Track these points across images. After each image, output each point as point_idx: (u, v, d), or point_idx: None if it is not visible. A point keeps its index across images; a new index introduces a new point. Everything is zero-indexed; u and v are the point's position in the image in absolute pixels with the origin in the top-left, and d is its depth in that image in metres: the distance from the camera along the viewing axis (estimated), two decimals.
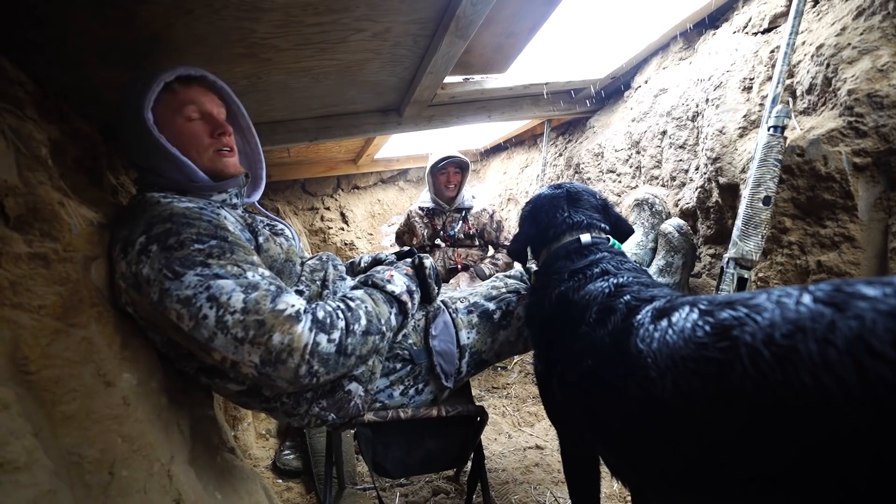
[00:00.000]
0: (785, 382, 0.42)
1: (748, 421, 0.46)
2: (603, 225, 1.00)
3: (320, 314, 0.79)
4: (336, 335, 0.78)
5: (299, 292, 0.96)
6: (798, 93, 1.11)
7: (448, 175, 2.42)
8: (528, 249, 1.11)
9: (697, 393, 0.51)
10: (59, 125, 0.88)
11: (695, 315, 0.54)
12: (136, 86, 0.90)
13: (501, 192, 3.27)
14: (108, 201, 0.98)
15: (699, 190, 1.41)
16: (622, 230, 1.07)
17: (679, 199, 1.54)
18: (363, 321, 0.84)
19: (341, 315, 0.81)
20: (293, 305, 0.76)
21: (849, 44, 0.97)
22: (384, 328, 0.88)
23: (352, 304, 0.85)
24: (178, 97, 0.93)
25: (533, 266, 1.19)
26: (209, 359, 0.76)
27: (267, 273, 0.80)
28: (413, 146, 3.04)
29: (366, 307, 0.86)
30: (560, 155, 2.51)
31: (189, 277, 0.73)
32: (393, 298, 0.93)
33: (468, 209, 2.49)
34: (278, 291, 0.77)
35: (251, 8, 0.95)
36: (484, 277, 2.33)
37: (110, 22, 0.91)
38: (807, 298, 0.44)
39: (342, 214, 3.66)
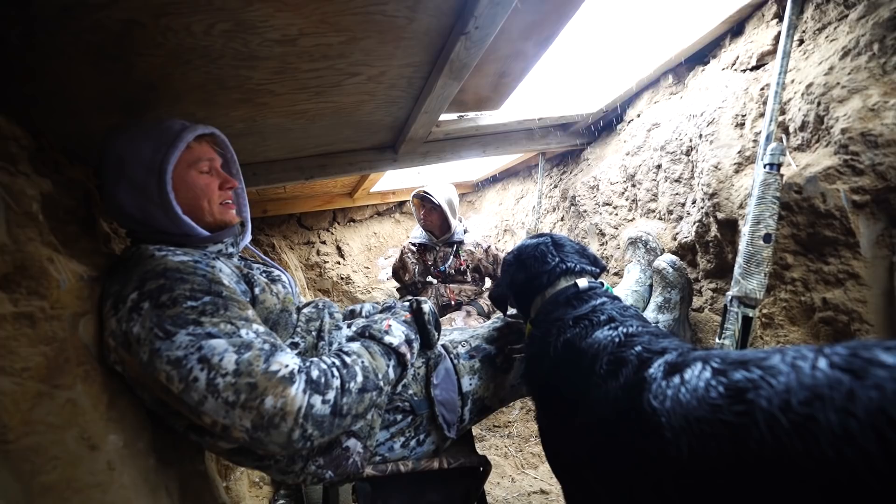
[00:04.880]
0: (805, 452, 0.41)
1: (768, 489, 0.44)
2: (591, 269, 1.01)
3: (314, 373, 0.76)
4: (331, 395, 0.76)
5: (294, 345, 0.93)
6: (791, 129, 1.13)
7: (424, 209, 2.37)
8: (512, 297, 1.10)
9: (714, 457, 0.49)
10: (52, 176, 0.87)
11: (707, 374, 0.52)
12: (153, 143, 0.90)
13: (497, 224, 3.28)
14: (101, 251, 0.97)
15: (697, 224, 1.41)
16: (599, 266, 1.09)
17: (677, 233, 1.55)
18: (359, 378, 0.81)
19: (336, 373, 0.79)
20: (287, 366, 0.74)
21: (838, 83, 0.99)
22: (381, 383, 0.85)
23: (348, 359, 0.83)
24: (194, 153, 0.95)
25: (511, 311, 1.18)
26: (199, 422, 0.73)
27: (261, 329, 0.78)
28: (409, 179, 3.07)
29: (362, 362, 0.84)
30: (555, 186, 2.53)
31: (180, 337, 0.71)
32: (391, 350, 0.91)
33: (459, 243, 2.41)
34: (272, 350, 0.75)
35: (248, 56, 0.97)
36: (483, 314, 2.29)
37: (108, 73, 0.92)
38: (822, 363, 0.43)
39: (338, 248, 3.65)
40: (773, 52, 1.25)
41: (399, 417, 1.01)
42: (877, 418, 0.37)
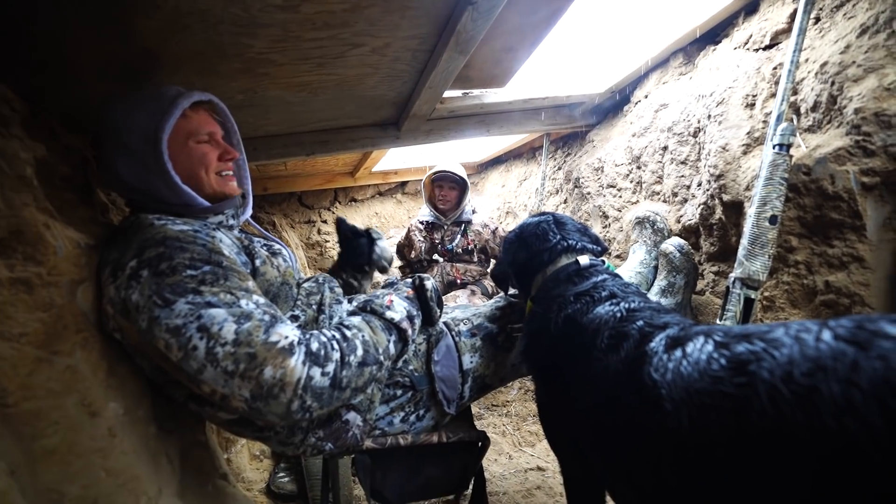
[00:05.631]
0: (806, 423, 0.41)
1: (767, 460, 0.44)
2: (592, 247, 1.01)
3: (314, 346, 0.76)
4: (330, 368, 0.76)
5: (294, 317, 0.93)
6: (802, 110, 1.11)
7: (443, 189, 2.39)
8: (512, 276, 1.10)
9: (714, 428, 0.49)
10: (47, 142, 0.86)
11: (710, 347, 0.52)
12: (148, 110, 0.88)
13: (500, 206, 3.26)
14: (98, 220, 0.96)
15: (702, 206, 1.40)
16: (602, 246, 1.09)
17: (681, 216, 1.54)
18: (359, 352, 0.81)
19: (336, 346, 0.79)
20: (286, 337, 0.74)
21: (853, 62, 0.96)
22: (382, 358, 0.85)
23: (348, 333, 0.83)
24: (191, 122, 0.93)
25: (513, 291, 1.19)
26: (198, 390, 0.73)
27: (262, 301, 0.78)
28: (411, 159, 3.04)
29: (363, 336, 0.84)
30: (559, 168, 2.51)
31: (180, 306, 0.71)
32: (392, 326, 0.91)
33: (468, 223, 2.43)
34: (272, 321, 0.75)
35: (248, 23, 0.95)
36: (487, 294, 2.29)
37: (108, 38, 0.90)
38: (827, 335, 0.42)
39: None
40: (787, 30, 1.22)
41: (399, 392, 1.02)
42: (880, 389, 0.37)
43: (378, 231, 1.28)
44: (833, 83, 1.01)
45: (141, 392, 0.85)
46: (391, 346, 0.89)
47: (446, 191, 2.39)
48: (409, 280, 1.06)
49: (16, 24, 0.79)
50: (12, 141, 0.71)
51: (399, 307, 0.93)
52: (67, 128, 1.01)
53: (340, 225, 1.32)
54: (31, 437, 0.63)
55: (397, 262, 3.36)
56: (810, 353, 0.42)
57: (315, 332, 0.80)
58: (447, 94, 1.69)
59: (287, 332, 0.75)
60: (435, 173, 2.38)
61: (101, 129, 0.89)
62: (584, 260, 0.93)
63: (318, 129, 1.85)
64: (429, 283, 1.02)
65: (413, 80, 1.43)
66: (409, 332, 0.93)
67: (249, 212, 1.09)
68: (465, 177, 2.37)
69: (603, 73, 1.85)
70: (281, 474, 1.57)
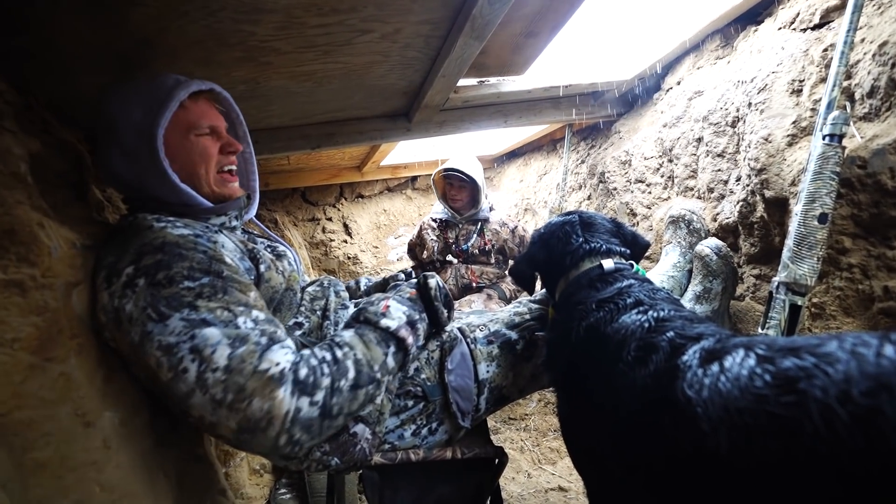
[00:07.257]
0: (868, 449, 0.39)
1: (819, 487, 0.42)
2: (622, 249, 0.99)
3: (303, 373, 0.75)
4: (319, 396, 0.75)
5: (298, 324, 0.93)
6: (857, 96, 1.08)
7: (453, 187, 2.36)
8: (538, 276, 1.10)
9: (758, 452, 0.47)
10: (41, 137, 0.88)
11: (751, 361, 0.50)
12: (143, 103, 0.89)
13: (518, 202, 3.24)
14: (94, 219, 0.98)
15: (741, 203, 1.37)
16: (640, 244, 1.08)
17: (718, 213, 1.50)
18: (351, 374, 0.80)
19: (327, 370, 0.78)
20: (278, 364, 0.74)
21: None
22: (378, 375, 0.84)
23: (339, 353, 0.82)
24: (190, 113, 0.93)
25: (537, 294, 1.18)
26: (186, 414, 0.74)
27: (261, 316, 0.79)
28: (422, 152, 3.03)
29: (355, 355, 0.83)
30: (582, 162, 2.48)
31: (174, 322, 0.72)
32: (389, 335, 0.89)
33: (484, 221, 2.38)
34: (268, 344, 0.75)
35: (250, 9, 0.96)
36: (505, 299, 2.27)
37: (100, 26, 0.92)
38: (889, 350, 0.40)
39: (345, 225, 3.66)
40: (840, 7, 1.19)
41: (410, 403, 1.02)
42: None
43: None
44: (894, 65, 0.98)
45: (138, 402, 0.85)
46: (389, 359, 0.87)
47: (456, 189, 2.35)
48: (414, 280, 1.04)
49: (3, 11, 0.80)
50: (5, 136, 0.73)
51: (396, 313, 0.92)
52: (61, 121, 1.03)
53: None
54: (21, 449, 0.64)
55: (404, 265, 3.36)
56: (870, 370, 0.41)
57: (307, 352, 0.80)
58: (462, 82, 1.68)
59: (279, 357, 0.75)
60: (444, 170, 2.34)
61: (98, 123, 0.91)
62: (608, 264, 0.91)
63: (324, 120, 1.86)
64: (432, 282, 0.99)
65: (425, 69, 1.43)
66: (410, 339, 0.91)
67: (254, 210, 1.09)
68: (475, 174, 2.29)
69: (631, 58, 1.83)
70: (282, 490, 1.59)
